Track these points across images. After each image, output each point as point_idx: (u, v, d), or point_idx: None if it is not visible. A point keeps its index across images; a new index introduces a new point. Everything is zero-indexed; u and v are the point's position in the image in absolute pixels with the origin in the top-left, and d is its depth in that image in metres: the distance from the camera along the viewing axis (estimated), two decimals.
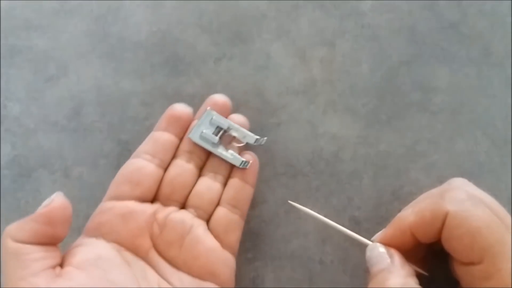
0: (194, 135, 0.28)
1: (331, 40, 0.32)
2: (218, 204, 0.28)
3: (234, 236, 0.27)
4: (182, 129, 0.28)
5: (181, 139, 0.28)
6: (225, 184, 0.28)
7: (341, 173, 0.30)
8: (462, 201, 0.22)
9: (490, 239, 0.21)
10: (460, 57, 0.32)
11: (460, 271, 0.22)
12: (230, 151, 0.28)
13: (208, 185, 0.28)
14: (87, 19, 0.33)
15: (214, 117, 0.28)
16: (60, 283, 0.21)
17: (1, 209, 0.30)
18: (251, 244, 0.30)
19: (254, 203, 0.29)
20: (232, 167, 0.28)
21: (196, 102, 0.30)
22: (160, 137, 0.28)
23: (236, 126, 0.29)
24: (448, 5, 0.32)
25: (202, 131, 0.28)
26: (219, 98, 0.29)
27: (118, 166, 0.28)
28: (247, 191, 0.28)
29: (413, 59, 0.32)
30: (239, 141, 0.29)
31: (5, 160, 0.31)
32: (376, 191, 0.30)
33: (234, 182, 0.28)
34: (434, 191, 0.25)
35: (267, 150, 0.31)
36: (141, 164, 0.27)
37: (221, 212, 0.27)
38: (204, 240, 0.26)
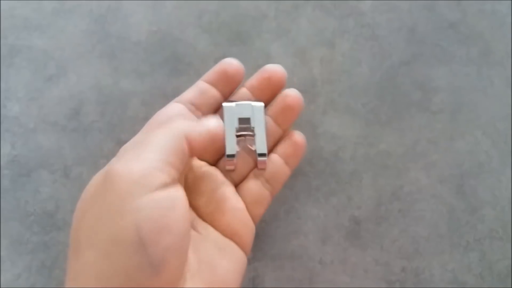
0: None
1: (331, 40, 0.32)
2: (250, 172, 0.27)
3: (259, 210, 0.26)
4: (231, 89, 0.28)
5: (226, 98, 0.28)
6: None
7: (341, 172, 0.30)
8: None
9: None
10: (460, 57, 0.32)
11: None
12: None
13: (242, 156, 0.27)
14: (87, 19, 0.33)
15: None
16: None
17: (1, 209, 0.30)
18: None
19: None
20: (275, 143, 0.27)
21: None
22: (208, 91, 0.27)
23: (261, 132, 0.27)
24: (448, 5, 0.32)
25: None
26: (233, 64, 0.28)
27: None
28: (285, 171, 0.27)
29: (413, 59, 0.32)
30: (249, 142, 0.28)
31: (5, 160, 0.31)
32: (376, 191, 0.30)
33: (274, 158, 0.27)
34: None
35: None
36: (185, 111, 0.26)
37: (253, 184, 0.27)
38: (232, 198, 0.26)
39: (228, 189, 0.26)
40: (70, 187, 0.30)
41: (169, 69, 0.32)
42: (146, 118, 0.31)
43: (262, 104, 0.27)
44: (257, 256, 0.29)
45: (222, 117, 0.26)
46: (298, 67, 0.32)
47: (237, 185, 0.27)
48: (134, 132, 0.31)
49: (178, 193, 0.22)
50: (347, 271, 0.29)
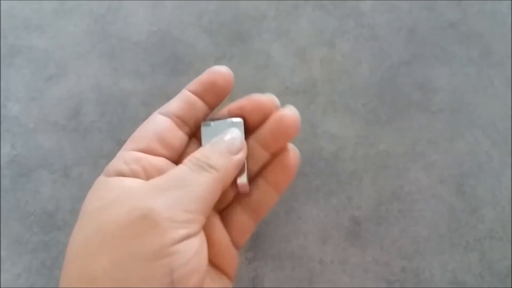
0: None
1: (331, 40, 0.32)
2: (234, 198, 0.26)
3: (243, 239, 0.25)
4: (218, 100, 0.26)
5: (212, 109, 0.26)
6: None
7: (341, 173, 0.30)
8: None
9: None
10: (460, 57, 0.32)
11: None
12: None
13: None
14: (87, 19, 0.33)
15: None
16: None
17: (1, 209, 0.30)
18: (251, 244, 0.30)
19: None
20: (264, 165, 0.25)
21: None
22: (195, 104, 0.25)
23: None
24: (448, 5, 0.32)
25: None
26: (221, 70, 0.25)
27: None
28: (272, 199, 0.25)
29: (413, 59, 0.32)
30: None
31: (5, 160, 0.31)
32: (376, 191, 0.30)
33: (261, 184, 0.25)
34: None
35: None
36: (173, 127, 0.24)
37: (237, 213, 0.25)
38: (218, 233, 0.24)
39: (214, 221, 0.24)
40: (70, 187, 0.30)
41: (169, 69, 0.32)
42: (146, 118, 0.31)
43: (241, 120, 0.25)
44: (257, 256, 0.29)
45: (199, 138, 0.25)
46: (298, 67, 0.32)
47: (221, 211, 0.25)
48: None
49: (204, 236, 0.22)
50: (347, 271, 0.29)
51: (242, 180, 0.24)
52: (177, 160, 0.25)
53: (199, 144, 0.25)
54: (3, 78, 0.32)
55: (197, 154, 0.23)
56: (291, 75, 0.32)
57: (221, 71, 0.25)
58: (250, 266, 0.29)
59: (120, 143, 0.31)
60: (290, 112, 0.24)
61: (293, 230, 0.30)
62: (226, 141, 0.23)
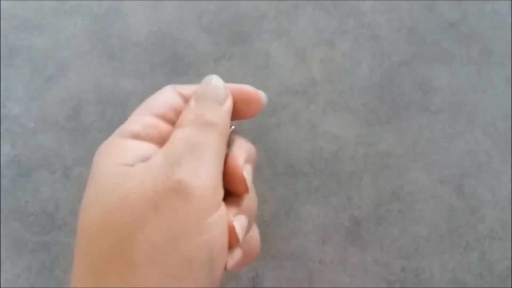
0: None
1: (331, 40, 0.32)
2: None
3: None
4: (233, 116, 0.24)
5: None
6: None
7: (341, 173, 0.30)
8: None
9: None
10: (460, 57, 0.32)
11: None
12: None
13: None
14: (87, 18, 0.33)
15: None
16: None
17: (1, 209, 0.30)
18: None
19: None
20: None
21: None
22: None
23: None
24: (448, 5, 0.32)
25: None
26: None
27: None
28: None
29: (413, 59, 0.32)
30: None
31: (5, 160, 0.31)
32: (376, 191, 0.30)
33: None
34: None
35: (267, 150, 0.31)
36: (182, 102, 0.23)
37: None
38: None
39: None
40: (70, 187, 0.30)
41: (169, 69, 0.32)
42: None
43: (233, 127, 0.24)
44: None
45: None
46: (298, 67, 0.32)
47: None
48: None
49: (225, 208, 0.20)
50: (347, 271, 0.29)
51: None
52: None
53: None
54: (3, 78, 0.32)
55: (189, 114, 0.21)
56: (291, 75, 0.32)
57: (250, 93, 0.24)
58: (250, 266, 0.29)
59: None
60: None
61: (293, 230, 0.30)
62: (210, 91, 0.22)
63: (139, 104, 0.31)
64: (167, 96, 0.23)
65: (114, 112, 0.31)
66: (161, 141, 0.21)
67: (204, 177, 0.19)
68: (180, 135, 0.20)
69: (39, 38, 0.33)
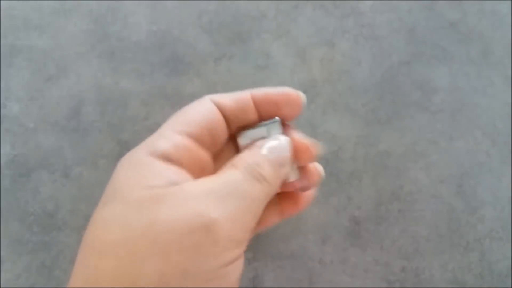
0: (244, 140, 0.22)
1: (331, 40, 0.32)
2: None
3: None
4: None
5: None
6: None
7: (341, 172, 0.30)
8: None
9: None
10: (460, 57, 0.32)
11: None
12: None
13: None
14: (87, 18, 0.33)
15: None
16: None
17: (1, 209, 0.30)
18: (251, 244, 0.30)
19: None
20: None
21: None
22: (248, 111, 0.22)
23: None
24: (448, 5, 0.32)
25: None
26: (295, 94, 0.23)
27: None
28: (272, 219, 0.24)
29: (413, 59, 0.32)
30: None
31: (5, 160, 0.31)
32: (376, 191, 0.30)
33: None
34: None
35: None
36: (222, 122, 0.22)
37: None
38: None
39: None
40: (70, 187, 0.30)
41: (169, 69, 0.32)
42: (146, 118, 0.31)
43: (278, 119, 0.23)
44: (257, 256, 0.29)
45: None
46: (298, 67, 0.32)
47: None
48: (134, 132, 0.31)
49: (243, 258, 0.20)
50: (347, 271, 0.29)
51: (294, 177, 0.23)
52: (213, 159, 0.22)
53: (233, 151, 0.23)
54: (3, 78, 0.32)
55: (249, 160, 0.20)
56: (291, 75, 0.32)
57: (292, 95, 0.22)
58: (250, 266, 0.29)
59: (120, 143, 0.31)
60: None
61: (293, 230, 0.30)
62: (276, 150, 0.21)
63: (138, 104, 0.32)
64: (204, 112, 0.21)
65: (114, 112, 0.31)
66: (189, 165, 0.20)
67: (239, 230, 0.18)
68: (230, 176, 0.19)
69: (39, 38, 0.33)
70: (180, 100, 0.30)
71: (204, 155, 0.21)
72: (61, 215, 0.30)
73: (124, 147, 0.31)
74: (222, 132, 0.22)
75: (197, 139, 0.21)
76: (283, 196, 0.23)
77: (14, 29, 0.33)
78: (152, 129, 0.31)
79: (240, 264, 0.19)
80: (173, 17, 0.33)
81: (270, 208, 0.23)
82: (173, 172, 0.19)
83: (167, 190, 0.18)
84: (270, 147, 0.21)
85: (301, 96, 0.22)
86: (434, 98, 0.31)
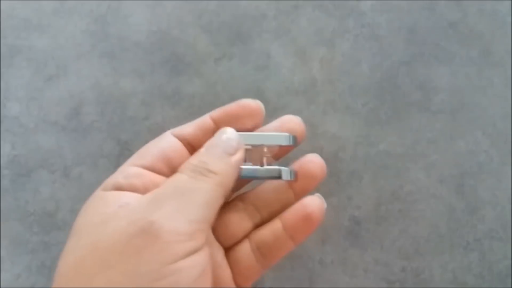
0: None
1: (331, 40, 0.32)
2: (245, 237, 0.24)
3: (246, 283, 0.24)
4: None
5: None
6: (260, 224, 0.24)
7: (341, 172, 0.30)
8: None
9: None
10: (460, 57, 0.32)
11: None
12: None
13: (240, 215, 0.24)
14: (87, 18, 0.33)
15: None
16: None
17: (1, 209, 0.30)
18: None
19: None
20: (284, 206, 0.24)
21: (195, 102, 0.30)
22: (212, 133, 0.23)
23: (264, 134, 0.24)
24: (448, 5, 0.32)
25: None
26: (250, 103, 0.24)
27: (118, 166, 0.27)
28: (286, 246, 0.24)
29: (413, 59, 0.32)
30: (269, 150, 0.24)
31: (5, 160, 0.31)
32: (376, 191, 0.30)
33: (276, 227, 0.24)
34: None
35: None
36: (182, 151, 0.23)
37: (244, 254, 0.23)
38: (219, 267, 0.23)
39: (217, 254, 0.23)
40: (70, 187, 0.30)
41: (169, 69, 0.32)
42: (146, 118, 0.31)
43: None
44: None
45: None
46: (298, 67, 0.32)
47: (228, 248, 0.24)
48: (134, 132, 0.31)
49: (208, 255, 0.20)
50: (347, 271, 0.29)
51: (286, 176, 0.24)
52: None
53: None
54: (3, 78, 0.32)
55: (194, 160, 0.21)
56: (291, 75, 0.32)
57: (250, 105, 0.24)
58: None
59: (120, 143, 0.31)
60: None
61: None
62: (221, 142, 0.22)
63: (138, 104, 0.32)
64: (159, 145, 0.23)
65: (114, 112, 0.31)
66: (146, 189, 0.21)
67: (183, 222, 0.19)
68: (173, 180, 0.21)
69: (39, 38, 0.33)
70: (180, 100, 0.30)
71: (161, 179, 0.22)
72: (61, 215, 0.30)
73: (124, 147, 0.31)
74: (182, 157, 0.23)
75: (150, 168, 0.22)
76: (291, 216, 0.24)
77: (14, 29, 0.33)
78: (152, 129, 0.31)
79: (199, 259, 0.19)
80: (173, 17, 0.33)
81: (278, 234, 0.24)
82: (126, 196, 0.21)
83: (115, 210, 0.20)
84: (215, 141, 0.22)
85: (260, 105, 0.24)
86: (434, 98, 0.31)
